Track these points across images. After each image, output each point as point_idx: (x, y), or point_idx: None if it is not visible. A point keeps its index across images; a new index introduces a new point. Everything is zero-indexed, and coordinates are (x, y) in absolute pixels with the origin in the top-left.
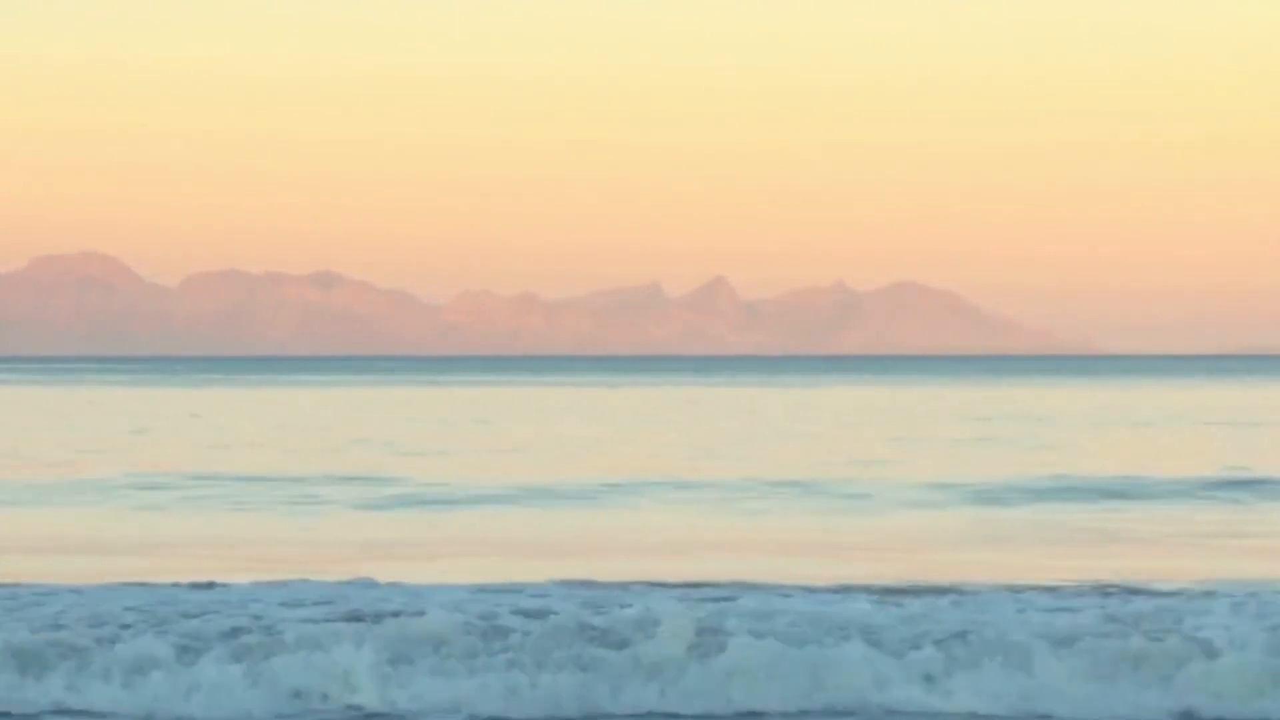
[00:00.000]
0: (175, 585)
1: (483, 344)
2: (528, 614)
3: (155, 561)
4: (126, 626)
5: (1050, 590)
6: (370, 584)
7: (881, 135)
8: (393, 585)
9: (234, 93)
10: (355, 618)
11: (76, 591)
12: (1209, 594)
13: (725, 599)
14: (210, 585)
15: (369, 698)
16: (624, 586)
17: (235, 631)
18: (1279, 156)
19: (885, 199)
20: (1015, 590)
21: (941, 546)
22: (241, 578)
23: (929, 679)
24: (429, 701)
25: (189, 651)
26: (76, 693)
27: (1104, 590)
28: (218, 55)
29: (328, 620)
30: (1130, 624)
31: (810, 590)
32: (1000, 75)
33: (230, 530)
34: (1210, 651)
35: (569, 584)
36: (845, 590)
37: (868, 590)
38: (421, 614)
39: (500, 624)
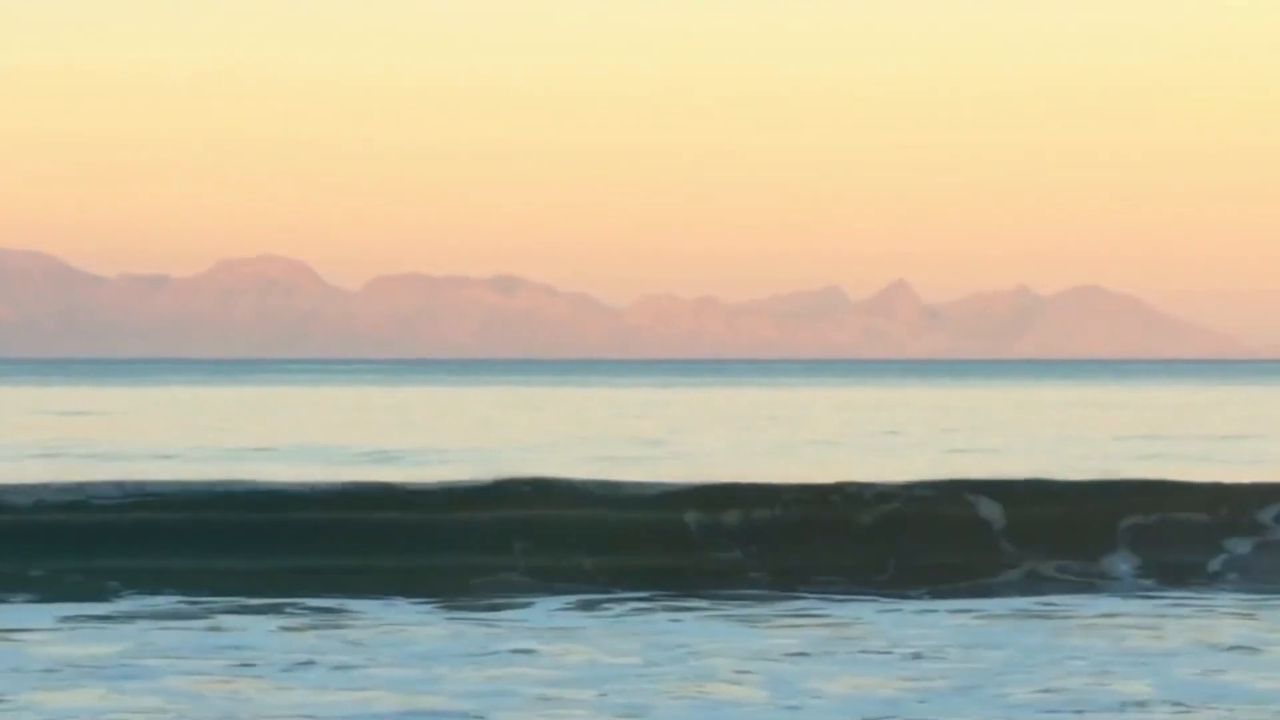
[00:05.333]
0: None
1: (664, 347)
2: None
3: None
4: None
5: None
6: None
7: (1062, 138)
8: None
9: (417, 103)
10: None
11: None
12: None
13: None
14: None
15: None
16: None
17: None
18: None
19: (1067, 203)
20: None
21: None
22: None
23: None
24: None
25: None
26: None
27: None
28: (396, 67)
29: None
30: None
31: None
32: (1186, 78)
33: None
34: None
35: None
36: None
37: None
38: None
39: None
